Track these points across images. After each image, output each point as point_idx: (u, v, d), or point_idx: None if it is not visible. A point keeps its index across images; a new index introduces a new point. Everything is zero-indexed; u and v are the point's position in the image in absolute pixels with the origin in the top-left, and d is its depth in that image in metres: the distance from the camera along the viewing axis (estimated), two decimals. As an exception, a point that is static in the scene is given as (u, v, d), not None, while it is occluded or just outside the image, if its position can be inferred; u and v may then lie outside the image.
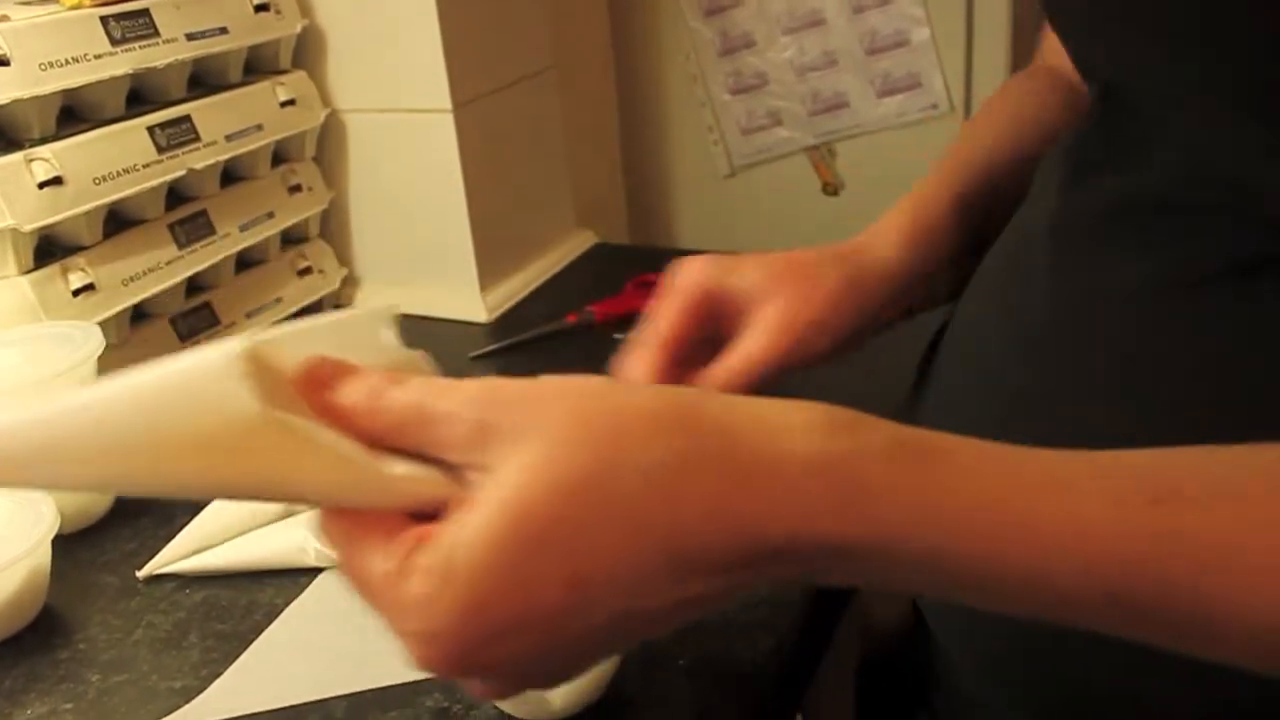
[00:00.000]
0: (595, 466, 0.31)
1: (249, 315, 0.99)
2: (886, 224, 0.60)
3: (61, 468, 0.32)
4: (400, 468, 0.34)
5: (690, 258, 0.56)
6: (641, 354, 0.53)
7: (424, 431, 0.34)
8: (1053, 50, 0.70)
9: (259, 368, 0.33)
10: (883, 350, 0.62)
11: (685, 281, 0.55)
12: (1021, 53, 1.18)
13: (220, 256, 0.95)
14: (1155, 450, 0.34)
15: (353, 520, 0.34)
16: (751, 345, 0.54)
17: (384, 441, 0.34)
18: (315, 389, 0.35)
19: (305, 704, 0.59)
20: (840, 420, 0.33)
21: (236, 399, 0.32)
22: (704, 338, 0.55)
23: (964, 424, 0.38)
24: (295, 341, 0.36)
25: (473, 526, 0.31)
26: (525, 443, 0.32)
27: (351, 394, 0.35)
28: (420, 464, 0.34)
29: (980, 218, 0.61)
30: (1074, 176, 0.53)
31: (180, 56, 0.90)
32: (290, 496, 0.34)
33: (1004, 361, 0.52)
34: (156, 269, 0.89)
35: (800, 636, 0.62)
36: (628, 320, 0.91)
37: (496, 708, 0.57)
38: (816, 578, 0.34)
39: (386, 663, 0.61)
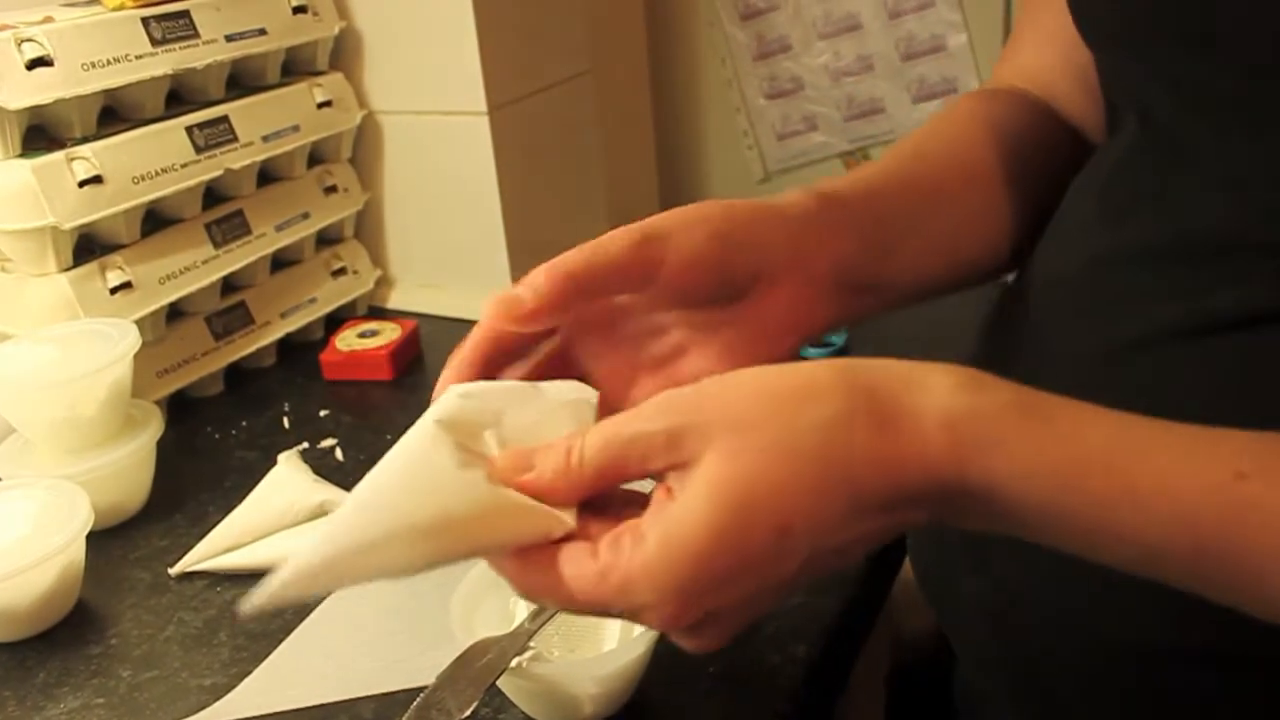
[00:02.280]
0: (779, 434, 0.36)
1: (283, 315, 1.00)
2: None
3: (349, 572, 0.38)
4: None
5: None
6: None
7: (623, 464, 0.38)
8: (1003, 75, 0.66)
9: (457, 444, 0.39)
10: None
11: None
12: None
13: (256, 256, 0.95)
14: (1239, 432, 0.37)
15: (544, 550, 0.38)
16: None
17: (594, 494, 0.39)
18: (514, 476, 0.39)
19: (333, 704, 0.60)
20: (967, 380, 0.38)
21: (455, 494, 0.38)
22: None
23: None
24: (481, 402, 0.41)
25: (685, 506, 0.36)
26: (714, 433, 0.37)
27: (547, 468, 0.39)
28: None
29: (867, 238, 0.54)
30: (1113, 211, 0.50)
31: (219, 57, 0.91)
32: (493, 551, 0.39)
33: None
34: (193, 268, 0.90)
35: (831, 646, 0.62)
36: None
37: (523, 712, 0.57)
38: (950, 521, 0.39)
39: (415, 664, 0.61)
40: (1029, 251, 0.60)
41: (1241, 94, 0.44)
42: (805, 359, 0.40)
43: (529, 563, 0.39)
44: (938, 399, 0.37)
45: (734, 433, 0.37)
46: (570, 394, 0.43)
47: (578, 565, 0.38)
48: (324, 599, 0.68)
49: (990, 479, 0.36)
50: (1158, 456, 0.37)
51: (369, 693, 0.60)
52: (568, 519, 0.39)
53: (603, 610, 0.38)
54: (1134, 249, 0.48)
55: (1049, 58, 0.63)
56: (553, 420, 0.41)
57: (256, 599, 0.37)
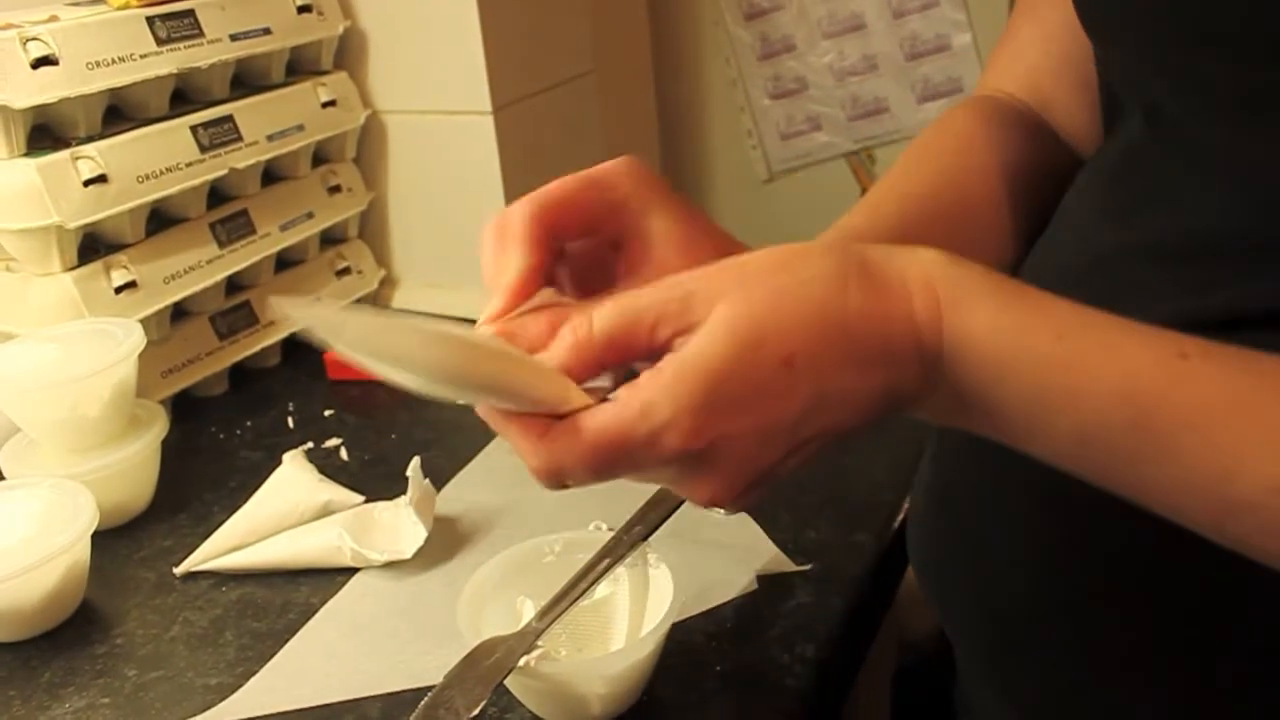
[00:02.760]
0: (783, 283, 0.40)
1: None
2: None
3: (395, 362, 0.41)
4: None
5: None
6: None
7: (634, 330, 0.40)
8: (1000, 74, 0.66)
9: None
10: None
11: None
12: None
13: (260, 256, 0.95)
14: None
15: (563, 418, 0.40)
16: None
17: (604, 366, 0.41)
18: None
19: (340, 703, 0.59)
20: (948, 255, 0.42)
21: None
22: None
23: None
24: None
25: (698, 342, 0.39)
26: (725, 291, 0.40)
27: (559, 346, 0.41)
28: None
29: None
30: (1118, 208, 0.50)
31: (224, 57, 0.91)
32: (510, 399, 0.41)
33: None
34: (197, 267, 0.90)
35: (839, 646, 0.62)
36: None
37: (531, 711, 0.57)
38: (928, 395, 0.41)
39: (421, 663, 0.61)
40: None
41: (1249, 90, 0.44)
42: None
43: (554, 429, 0.40)
44: (921, 266, 0.41)
45: (742, 287, 0.40)
46: None
47: (597, 414, 0.39)
48: (328, 600, 0.68)
49: (960, 336, 0.40)
50: (1108, 330, 0.40)
51: (375, 692, 0.60)
52: (583, 395, 0.40)
53: (625, 444, 0.39)
54: (1139, 246, 0.48)
55: (1047, 58, 0.63)
56: None
57: (294, 310, 0.39)
